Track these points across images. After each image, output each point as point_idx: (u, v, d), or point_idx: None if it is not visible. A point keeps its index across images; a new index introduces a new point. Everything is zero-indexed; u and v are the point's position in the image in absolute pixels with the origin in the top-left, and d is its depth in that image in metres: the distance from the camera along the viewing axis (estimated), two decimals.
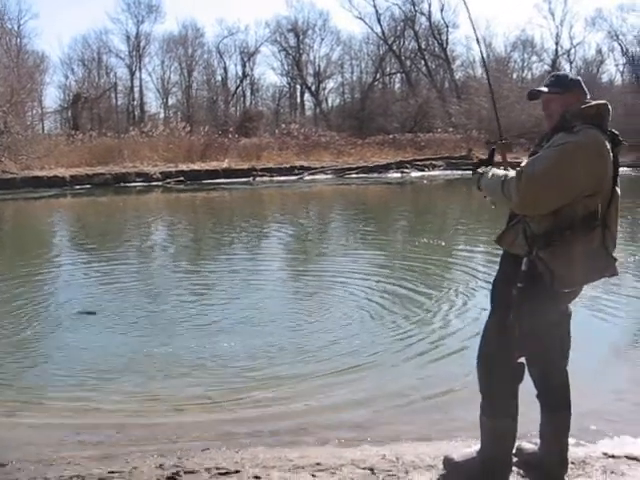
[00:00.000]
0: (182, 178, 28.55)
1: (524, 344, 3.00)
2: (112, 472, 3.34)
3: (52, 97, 58.66)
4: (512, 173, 2.89)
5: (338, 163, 32.89)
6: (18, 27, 45.81)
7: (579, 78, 3.08)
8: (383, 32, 51.71)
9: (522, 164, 2.87)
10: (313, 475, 3.30)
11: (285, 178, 29.74)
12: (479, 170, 3.13)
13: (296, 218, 17.54)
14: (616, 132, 2.98)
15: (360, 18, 51.67)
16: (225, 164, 31.49)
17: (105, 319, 6.89)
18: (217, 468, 3.35)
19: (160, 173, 28.79)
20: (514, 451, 3.41)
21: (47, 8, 66.77)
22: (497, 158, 3.17)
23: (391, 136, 38.28)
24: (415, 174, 31.27)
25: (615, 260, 2.98)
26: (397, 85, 54.46)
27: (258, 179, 29.60)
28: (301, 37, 53.24)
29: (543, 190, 2.78)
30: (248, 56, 53.36)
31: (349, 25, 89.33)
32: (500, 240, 3.09)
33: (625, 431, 4.04)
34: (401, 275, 8.90)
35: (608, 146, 2.88)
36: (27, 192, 24.30)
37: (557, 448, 3.27)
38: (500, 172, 3.01)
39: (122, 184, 27.32)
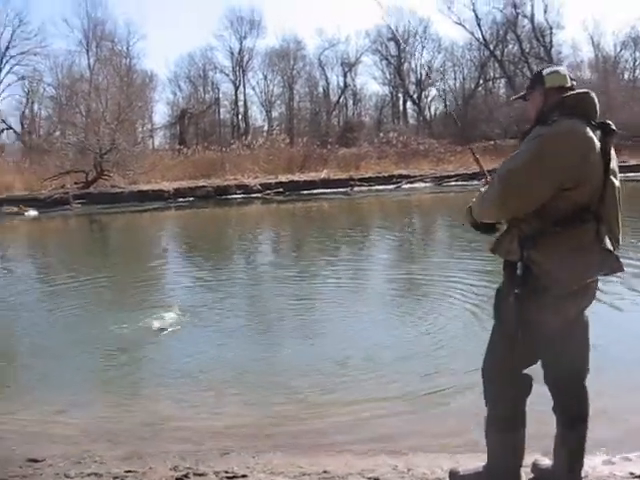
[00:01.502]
0: (281, 189, 29.15)
1: (525, 354, 2.90)
2: (128, 471, 3.52)
3: (161, 114, 61.36)
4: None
5: (437, 171, 32.59)
6: (127, 48, 48.41)
7: (549, 69, 2.97)
8: (484, 37, 50.79)
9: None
10: None
11: (383, 187, 29.73)
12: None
13: (397, 226, 17.55)
14: (608, 122, 2.82)
15: (460, 24, 50.96)
16: (323, 174, 31.87)
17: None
18: (226, 472, 3.46)
19: (260, 185, 29.50)
20: (530, 466, 3.35)
21: (154, 29, 69.94)
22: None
23: (492, 142, 37.59)
24: None
25: (614, 255, 2.78)
26: (501, 90, 53.26)
27: (356, 189, 29.76)
28: (402, 45, 53.10)
29: (519, 185, 2.70)
30: (349, 66, 53.72)
31: (450, 31, 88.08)
32: (495, 249, 2.97)
33: None
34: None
35: (591, 134, 2.73)
36: (133, 205, 25.60)
37: (568, 464, 3.11)
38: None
39: (223, 196, 28.22)
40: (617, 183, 2.85)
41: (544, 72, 2.96)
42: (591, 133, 2.75)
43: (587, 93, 2.86)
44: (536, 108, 2.94)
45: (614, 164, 2.85)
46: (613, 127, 2.82)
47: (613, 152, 2.85)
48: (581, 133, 2.73)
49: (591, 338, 3.10)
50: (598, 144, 2.76)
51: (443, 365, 5.62)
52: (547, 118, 2.79)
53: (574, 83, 2.94)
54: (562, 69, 2.99)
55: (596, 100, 2.86)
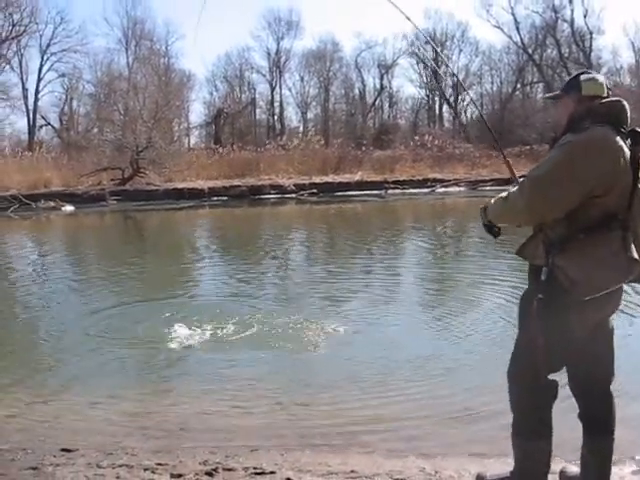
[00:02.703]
0: (315, 190, 29.21)
1: (549, 359, 2.88)
2: (159, 464, 3.58)
3: (197, 113, 61.86)
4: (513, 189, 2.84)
5: (472, 175, 32.37)
6: (166, 47, 48.96)
7: (587, 75, 2.95)
8: (522, 41, 50.29)
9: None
10: None
11: (417, 190, 29.65)
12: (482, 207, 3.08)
13: (431, 229, 17.53)
14: (638, 129, 2.79)
15: (498, 27, 50.47)
16: (358, 176, 31.85)
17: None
18: (255, 468, 3.50)
19: (294, 185, 29.60)
20: (558, 474, 3.33)
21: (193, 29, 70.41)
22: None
23: (529, 147, 37.20)
24: None
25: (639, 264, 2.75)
26: (539, 95, 52.67)
27: (390, 191, 29.71)
28: (440, 48, 52.80)
29: (548, 191, 2.70)
30: (386, 69, 53.63)
31: (488, 35, 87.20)
32: (521, 252, 2.97)
33: None
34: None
35: (621, 143, 2.73)
36: (168, 203, 25.88)
37: (594, 473, 3.09)
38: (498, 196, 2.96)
39: (257, 196, 28.38)
40: None
41: (582, 78, 2.94)
42: (621, 142, 2.75)
43: (619, 101, 2.86)
44: (567, 114, 2.92)
45: None
46: None
47: None
48: (612, 141, 2.73)
49: (618, 344, 3.08)
50: (628, 152, 2.76)
51: (474, 370, 5.61)
52: (578, 125, 2.79)
53: (610, 92, 2.93)
54: (600, 77, 2.97)
55: (627, 108, 2.85)
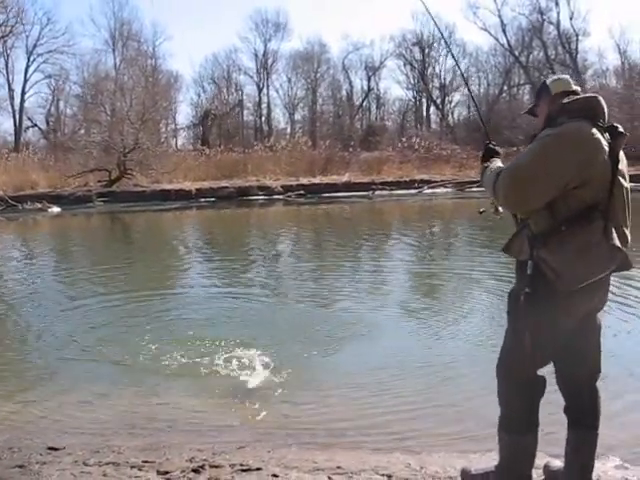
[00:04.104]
0: (302, 191, 29.26)
1: (537, 354, 2.92)
2: (146, 461, 3.59)
3: (185, 114, 61.75)
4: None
5: (459, 176, 32.48)
6: (153, 49, 48.88)
7: (552, 77, 3.13)
8: (509, 43, 50.58)
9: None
10: (329, 478, 3.37)
11: (404, 192, 29.74)
12: (485, 164, 3.12)
13: (419, 231, 17.60)
14: (616, 124, 2.89)
15: (485, 29, 50.75)
16: (345, 178, 31.92)
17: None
18: (241, 465, 3.51)
19: (281, 187, 29.64)
20: (542, 468, 3.36)
21: (180, 30, 70.44)
22: None
23: (515, 148, 37.31)
24: None
25: (622, 252, 2.81)
26: (526, 97, 52.94)
27: (377, 193, 29.78)
28: (427, 50, 53.03)
29: (524, 184, 2.76)
30: (373, 71, 53.79)
31: (475, 37, 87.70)
32: (507, 249, 3.02)
33: None
34: None
35: (598, 136, 2.80)
36: (155, 204, 25.83)
37: (578, 467, 3.12)
38: (497, 168, 2.99)
39: (244, 197, 28.39)
40: (626, 184, 2.91)
41: (547, 82, 3.12)
42: (598, 135, 2.82)
43: (595, 97, 2.95)
44: (545, 113, 3.02)
45: (623, 166, 2.91)
46: (621, 130, 2.89)
47: (622, 154, 2.91)
48: (587, 134, 2.80)
49: (604, 342, 3.12)
50: (606, 145, 2.82)
51: (460, 367, 5.65)
52: (555, 121, 2.88)
53: (578, 88, 3.06)
54: (564, 76, 3.17)
55: (604, 104, 2.94)
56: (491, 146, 3.22)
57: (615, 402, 4.42)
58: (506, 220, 3.17)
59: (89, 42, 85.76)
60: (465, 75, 47.18)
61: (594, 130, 2.81)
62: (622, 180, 2.87)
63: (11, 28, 43.13)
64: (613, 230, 2.79)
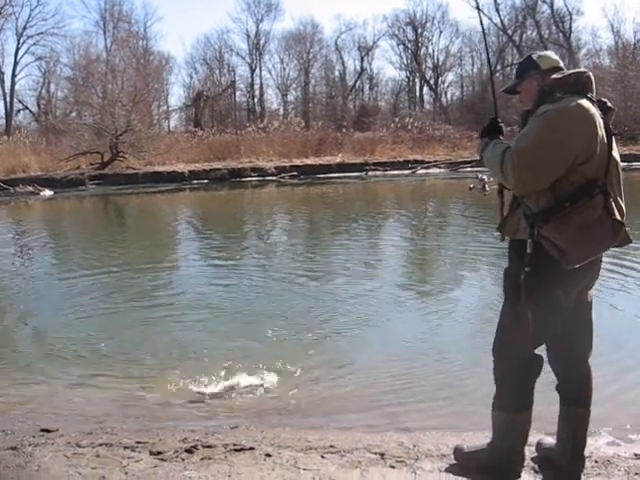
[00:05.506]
0: (295, 173, 29.15)
1: (537, 333, 2.92)
2: (139, 442, 3.58)
3: (177, 96, 61.37)
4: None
5: (452, 157, 32.42)
6: (144, 30, 48.48)
7: (538, 53, 3.10)
8: (502, 22, 50.32)
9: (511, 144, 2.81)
10: (322, 456, 3.37)
11: (397, 172, 29.67)
12: (485, 139, 3.03)
13: (412, 211, 17.56)
14: (604, 100, 2.90)
15: (478, 9, 50.24)
16: (338, 159, 31.81)
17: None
18: (234, 445, 3.51)
19: (275, 168, 29.51)
20: (535, 445, 3.37)
21: (171, 11, 69.82)
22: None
23: (509, 128, 37.24)
24: None
25: (624, 226, 2.80)
26: None
27: (370, 173, 29.71)
28: (420, 30, 52.77)
29: (536, 165, 2.71)
30: (366, 51, 53.55)
31: (468, 17, 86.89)
32: (502, 228, 3.01)
33: None
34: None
35: (594, 111, 2.79)
36: (148, 187, 25.72)
37: (571, 444, 3.14)
38: (501, 147, 2.89)
39: (238, 179, 28.28)
40: (618, 159, 2.90)
41: (534, 57, 3.07)
42: (594, 109, 2.81)
43: (585, 72, 2.93)
44: (533, 92, 2.97)
45: (614, 140, 2.90)
46: (610, 105, 2.90)
47: (611, 128, 2.89)
48: (587, 108, 2.78)
49: (595, 318, 3.13)
50: (602, 120, 2.81)
51: (454, 346, 5.66)
52: (552, 97, 2.83)
53: (564, 66, 3.05)
54: (549, 52, 3.14)
55: (593, 78, 2.93)
56: (497, 122, 3.03)
57: (607, 379, 4.43)
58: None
59: (79, 24, 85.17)
60: (459, 54, 47.01)
61: (591, 105, 2.80)
62: (615, 155, 2.87)
63: (0, 10, 42.65)
64: (613, 204, 2.78)
